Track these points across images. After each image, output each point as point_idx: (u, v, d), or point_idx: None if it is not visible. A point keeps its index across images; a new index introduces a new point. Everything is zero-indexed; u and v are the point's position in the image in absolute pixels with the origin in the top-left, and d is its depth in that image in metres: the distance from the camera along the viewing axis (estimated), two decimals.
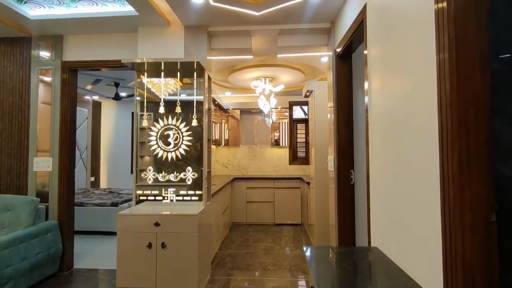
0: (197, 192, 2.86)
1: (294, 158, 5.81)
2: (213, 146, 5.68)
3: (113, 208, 4.36)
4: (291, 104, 5.76)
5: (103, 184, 6.75)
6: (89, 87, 5.62)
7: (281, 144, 5.60)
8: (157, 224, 2.48)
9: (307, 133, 5.82)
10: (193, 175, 2.85)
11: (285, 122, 5.70)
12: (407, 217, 1.31)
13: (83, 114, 6.31)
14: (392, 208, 1.49)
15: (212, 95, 4.92)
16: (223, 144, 5.56)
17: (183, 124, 2.86)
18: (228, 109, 5.61)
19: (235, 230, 4.81)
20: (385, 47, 1.60)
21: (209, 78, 3.16)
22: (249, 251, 3.74)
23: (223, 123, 5.55)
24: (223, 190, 4.30)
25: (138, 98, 2.89)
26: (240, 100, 5.83)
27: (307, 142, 5.81)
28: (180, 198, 2.86)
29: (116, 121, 6.86)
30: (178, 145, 2.86)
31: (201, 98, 2.90)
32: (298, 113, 5.95)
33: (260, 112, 5.86)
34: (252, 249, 3.83)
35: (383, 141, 1.63)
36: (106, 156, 6.82)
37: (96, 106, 6.70)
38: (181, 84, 2.95)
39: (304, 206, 5.00)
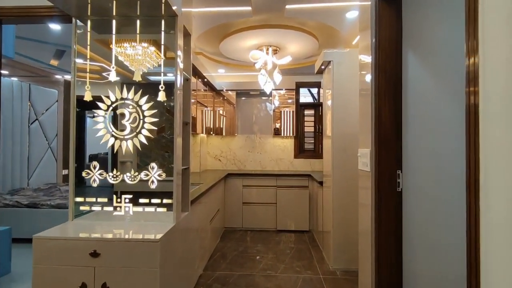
0: (166, 200, 1.93)
1: (300, 151, 4.88)
2: (203, 135, 4.74)
3: None
4: (298, 86, 4.79)
5: None
6: (53, 62, 4.64)
7: (284, 134, 4.65)
8: (95, 254, 1.56)
9: (316, 121, 4.86)
10: (160, 175, 1.91)
11: (288, 111, 4.73)
12: None
13: (52, 95, 5.35)
14: None
15: (203, 73, 3.95)
16: (214, 132, 4.61)
17: (145, 99, 1.91)
18: (222, 90, 4.64)
19: (228, 238, 3.91)
20: None
21: (187, 33, 2.20)
22: (244, 272, 2.84)
23: (215, 107, 4.59)
24: (213, 190, 3.38)
25: (78, 61, 1.93)
26: (236, 79, 4.85)
27: (316, 132, 4.86)
28: (141, 208, 1.93)
29: None
30: (138, 130, 1.91)
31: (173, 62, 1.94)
32: (306, 97, 4.98)
33: (260, 94, 4.89)
34: (248, 268, 2.93)
35: None
36: None
37: (69, 87, 5.71)
38: (157, 52, 1.98)
39: (313, 209, 4.09)
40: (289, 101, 4.69)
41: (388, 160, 1.78)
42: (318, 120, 4.87)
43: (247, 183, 4.28)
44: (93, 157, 2.37)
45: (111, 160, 2.12)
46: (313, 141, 4.90)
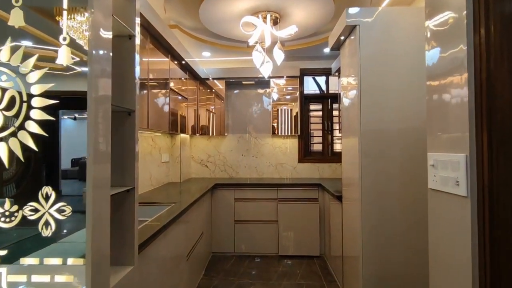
0: (72, 260, 1.00)
1: (306, 153, 3.97)
2: (184, 136, 3.81)
3: None
4: (303, 74, 3.89)
5: None
6: None
7: (285, 133, 3.73)
8: None
9: (325, 117, 3.96)
10: (61, 210, 0.98)
11: (289, 106, 3.81)
12: None
13: None
14: None
15: (181, 54, 3.02)
16: (199, 132, 3.68)
17: (32, 61, 0.98)
18: (207, 78, 3.72)
19: (215, 269, 2.98)
20: None
21: None
22: None
23: (199, 100, 3.67)
24: (195, 209, 2.46)
25: None
26: (225, 65, 3.93)
27: (324, 130, 3.96)
28: (23, 277, 0.99)
29: None
30: (19, 124, 0.99)
31: None
32: (311, 87, 4.09)
33: (255, 85, 3.98)
34: None
35: None
36: None
37: None
38: None
39: (325, 228, 3.18)
40: (290, 88, 3.77)
41: (510, 175, 0.89)
42: (327, 115, 3.97)
43: (240, 195, 3.36)
44: None
45: None
46: (321, 141, 4.00)
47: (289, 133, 3.70)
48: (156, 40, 2.36)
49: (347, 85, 2.31)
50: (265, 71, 2.64)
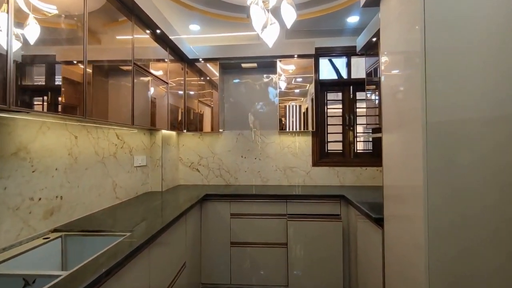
0: None
1: (322, 154, 3.16)
2: (168, 133, 3.02)
3: None
4: (318, 54, 3.08)
5: None
6: None
7: (295, 128, 2.92)
8: None
9: (346, 109, 3.15)
10: None
11: (300, 94, 2.99)
12: None
13: None
14: None
15: (161, 28, 2.21)
16: (187, 128, 2.92)
17: None
18: (197, 59, 2.94)
19: None
20: None
21: None
22: None
23: (187, 88, 2.91)
24: (174, 231, 1.70)
25: None
26: (218, 42, 3.14)
27: (345, 125, 3.14)
28: None
29: None
30: None
31: None
32: (327, 74, 3.28)
33: (258, 69, 3.19)
34: None
35: None
36: None
37: None
38: None
39: (350, 254, 2.38)
40: (299, 80, 2.95)
41: None
42: (348, 107, 3.15)
43: (238, 209, 2.58)
44: None
45: None
46: (341, 139, 3.18)
47: (301, 129, 2.89)
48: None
49: (396, 55, 1.50)
50: (269, 37, 1.84)
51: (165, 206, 2.11)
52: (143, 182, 2.59)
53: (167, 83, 2.47)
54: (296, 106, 2.90)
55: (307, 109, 2.88)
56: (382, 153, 1.68)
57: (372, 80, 2.65)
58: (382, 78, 1.68)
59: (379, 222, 1.71)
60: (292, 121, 2.89)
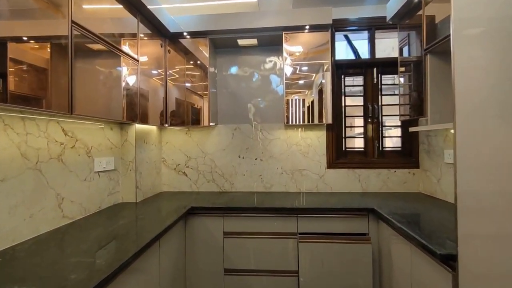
0: None
1: (339, 153, 2.55)
2: (144, 127, 2.29)
3: None
4: (335, 28, 2.45)
5: None
6: None
7: (303, 121, 2.29)
8: None
9: (369, 96, 2.53)
10: None
11: (312, 79, 2.34)
12: None
13: None
14: None
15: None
16: (170, 122, 2.32)
17: None
18: (180, 34, 2.31)
19: None
20: None
21: None
22: None
23: (168, 70, 2.30)
24: (145, 259, 1.10)
25: None
26: (207, 10, 2.51)
27: (368, 116, 2.53)
28: None
29: None
30: None
31: None
32: (341, 54, 2.66)
33: (260, 48, 2.56)
34: None
35: None
36: None
37: None
38: None
39: (383, 284, 1.77)
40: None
41: None
42: (371, 94, 2.53)
43: (234, 226, 1.98)
44: None
45: None
46: (362, 135, 2.57)
47: (313, 121, 2.27)
48: None
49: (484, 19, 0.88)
50: None
51: (133, 225, 1.52)
52: (110, 191, 1.99)
53: (137, 60, 1.86)
54: (307, 93, 2.27)
55: (321, 94, 2.25)
56: (454, 149, 1.05)
57: (407, 61, 2.03)
58: (455, 48, 1.05)
59: (447, 261, 1.10)
60: (303, 111, 2.27)
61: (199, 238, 1.98)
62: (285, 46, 2.26)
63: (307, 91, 2.27)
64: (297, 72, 2.27)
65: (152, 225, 1.55)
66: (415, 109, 1.91)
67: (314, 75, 2.26)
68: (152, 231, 1.44)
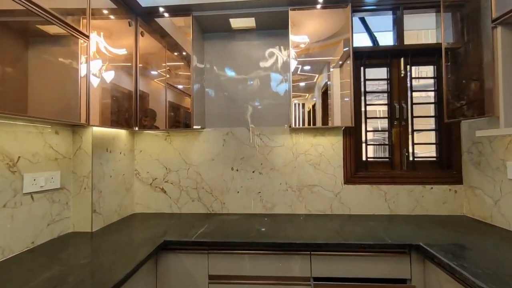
0: None
1: (358, 164, 2.02)
2: (115, 131, 1.75)
3: None
4: (354, 8, 1.94)
5: None
6: None
7: (311, 124, 1.76)
8: None
9: (395, 94, 2.02)
10: None
11: (324, 72, 1.81)
12: None
13: None
14: None
15: None
16: (137, 124, 1.78)
17: None
18: (157, 11, 1.79)
19: None
20: None
21: None
22: None
23: (139, 57, 1.77)
24: None
25: None
26: None
27: (394, 118, 2.01)
28: None
29: None
30: None
31: None
32: (356, 39, 2.17)
33: (259, 32, 2.05)
34: None
35: None
36: None
37: None
38: None
39: None
40: (326, 46, 1.77)
41: None
42: (398, 90, 2.01)
43: (223, 268, 1.43)
44: None
45: None
46: (387, 140, 2.04)
47: (326, 124, 1.74)
48: None
49: None
50: None
51: (76, 271, 0.96)
52: (52, 219, 1.44)
53: (87, 36, 1.33)
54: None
55: (333, 90, 1.73)
56: None
57: (455, 47, 1.52)
58: None
59: None
60: (308, 111, 1.75)
61: (175, 283, 1.43)
62: (291, 35, 1.74)
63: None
64: (314, 52, 1.75)
65: (105, 271, 1.00)
66: (473, 105, 1.39)
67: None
68: (105, 282, 0.89)
